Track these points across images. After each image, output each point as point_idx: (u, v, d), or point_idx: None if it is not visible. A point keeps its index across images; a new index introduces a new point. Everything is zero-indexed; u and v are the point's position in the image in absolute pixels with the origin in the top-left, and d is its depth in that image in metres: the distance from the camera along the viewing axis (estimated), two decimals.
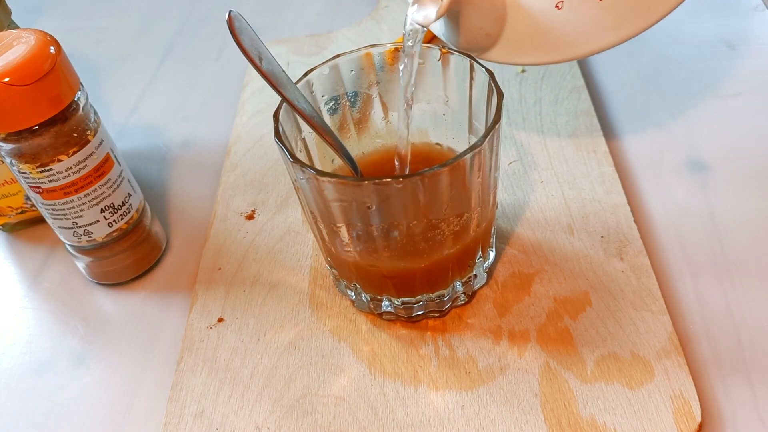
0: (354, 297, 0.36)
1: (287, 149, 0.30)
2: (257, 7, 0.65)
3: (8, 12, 0.42)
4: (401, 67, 0.34)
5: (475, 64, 0.33)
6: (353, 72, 0.35)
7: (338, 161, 0.36)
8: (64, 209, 0.37)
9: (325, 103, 0.35)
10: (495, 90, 0.31)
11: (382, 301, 0.35)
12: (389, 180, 0.28)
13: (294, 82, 0.32)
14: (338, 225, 0.32)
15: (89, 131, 0.36)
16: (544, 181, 0.42)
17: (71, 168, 0.36)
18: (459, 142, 0.36)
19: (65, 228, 0.38)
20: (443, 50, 0.34)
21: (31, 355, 0.39)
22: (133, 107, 0.55)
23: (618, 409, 0.31)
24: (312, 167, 0.29)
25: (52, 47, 0.34)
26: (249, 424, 0.33)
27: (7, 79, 0.32)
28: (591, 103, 0.46)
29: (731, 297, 0.36)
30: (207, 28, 0.64)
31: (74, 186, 0.36)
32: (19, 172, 0.36)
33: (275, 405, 0.33)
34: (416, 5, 0.34)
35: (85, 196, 0.37)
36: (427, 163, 0.36)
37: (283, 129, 0.31)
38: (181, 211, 0.46)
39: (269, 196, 0.44)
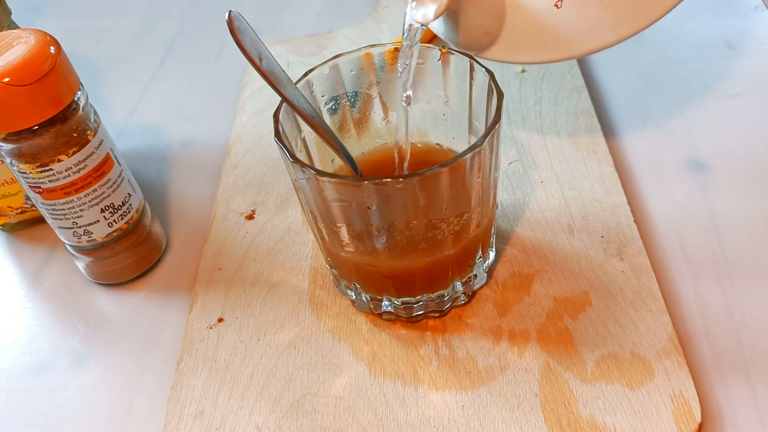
0: (354, 297, 0.36)
1: (287, 149, 0.30)
2: (257, 7, 0.65)
3: (8, 12, 0.42)
4: (399, 66, 0.34)
5: (475, 64, 0.33)
6: (353, 72, 0.35)
7: (338, 161, 0.36)
8: (64, 209, 0.37)
9: (325, 103, 0.35)
10: (495, 90, 0.31)
11: (382, 301, 0.35)
12: (389, 180, 0.28)
13: (294, 82, 0.32)
14: (338, 225, 0.32)
15: (89, 131, 0.36)
16: (544, 181, 0.42)
17: (71, 168, 0.36)
18: (459, 142, 0.36)
19: (65, 228, 0.38)
20: (443, 50, 0.34)
21: (31, 355, 0.39)
22: (133, 107, 0.55)
23: (618, 409, 0.31)
24: (312, 167, 0.29)
25: (52, 47, 0.34)
26: (249, 424, 0.33)
27: (7, 79, 0.32)
28: (591, 103, 0.46)
29: (731, 297, 0.36)
30: (207, 28, 0.64)
31: (74, 186, 0.36)
32: (19, 172, 0.36)
33: (275, 405, 0.33)
34: (415, 3, 0.34)
35: (85, 196, 0.37)
36: (427, 163, 0.36)
37: (283, 129, 0.31)
38: (181, 211, 0.46)
39: (269, 196, 0.44)
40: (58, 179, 0.36)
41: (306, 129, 0.34)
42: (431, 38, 0.50)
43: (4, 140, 0.34)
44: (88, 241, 0.39)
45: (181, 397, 0.34)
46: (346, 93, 0.36)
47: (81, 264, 0.41)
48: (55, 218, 0.38)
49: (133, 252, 0.40)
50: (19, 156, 0.35)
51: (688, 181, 0.42)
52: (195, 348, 0.36)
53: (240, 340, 0.36)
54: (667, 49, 0.52)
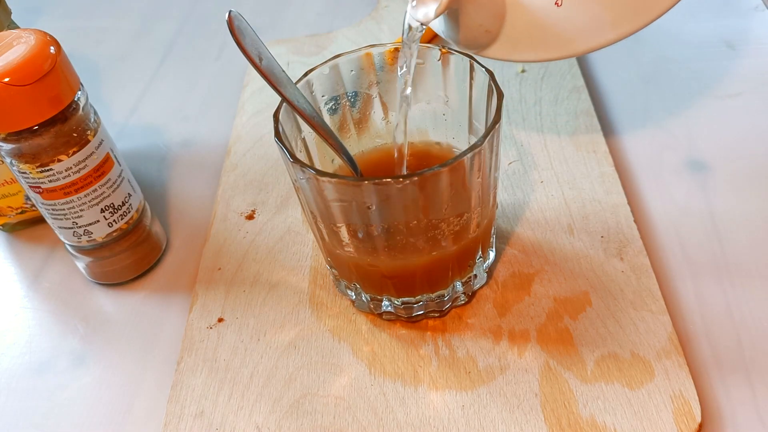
0: (354, 297, 0.36)
1: (287, 149, 0.30)
2: (257, 7, 0.65)
3: (8, 12, 0.42)
4: (399, 67, 0.34)
5: (475, 64, 0.33)
6: (353, 72, 0.35)
7: (338, 161, 0.36)
8: (64, 209, 0.37)
9: (325, 103, 0.35)
10: (495, 90, 0.31)
11: (382, 301, 0.35)
12: (389, 180, 0.28)
13: (294, 82, 0.32)
14: (338, 225, 0.32)
15: (89, 131, 0.36)
16: (544, 181, 0.42)
17: (71, 168, 0.36)
18: (459, 142, 0.36)
19: (65, 228, 0.38)
20: (443, 50, 0.34)
21: (31, 355, 0.39)
22: (133, 107, 0.55)
23: (618, 409, 0.31)
24: (312, 167, 0.29)
25: (52, 47, 0.34)
26: (249, 424, 0.33)
27: (7, 79, 0.32)
28: (591, 103, 0.46)
29: (731, 297, 0.36)
30: (207, 28, 0.64)
31: (74, 186, 0.36)
32: (19, 172, 0.36)
33: (275, 405, 0.33)
34: (416, 2, 0.34)
35: (85, 196, 0.37)
36: (427, 162, 0.36)
37: (283, 129, 0.31)
38: (181, 211, 0.46)
39: (269, 196, 0.44)
40: (58, 179, 0.36)
41: (306, 129, 0.34)
42: (431, 38, 0.50)
43: (4, 140, 0.34)
44: (88, 241, 0.39)
45: (181, 397, 0.34)
46: (346, 93, 0.36)
47: (81, 264, 0.41)
48: (55, 218, 0.38)
49: (133, 252, 0.40)
50: (19, 156, 0.35)
51: (688, 181, 0.42)
52: (195, 348, 0.36)
53: (240, 340, 0.36)
54: (667, 48, 0.52)
